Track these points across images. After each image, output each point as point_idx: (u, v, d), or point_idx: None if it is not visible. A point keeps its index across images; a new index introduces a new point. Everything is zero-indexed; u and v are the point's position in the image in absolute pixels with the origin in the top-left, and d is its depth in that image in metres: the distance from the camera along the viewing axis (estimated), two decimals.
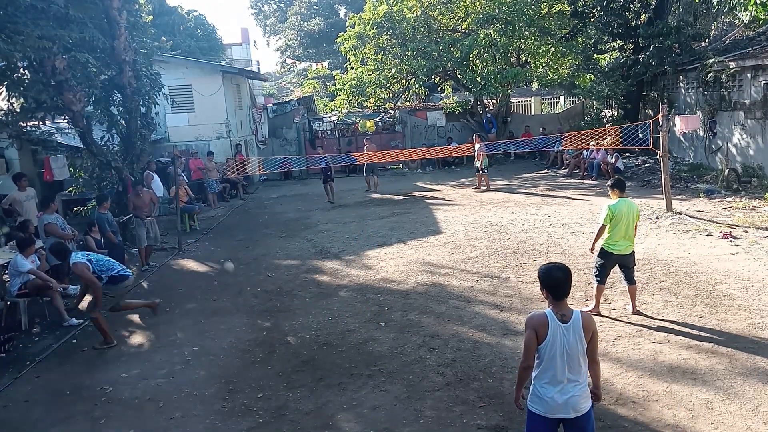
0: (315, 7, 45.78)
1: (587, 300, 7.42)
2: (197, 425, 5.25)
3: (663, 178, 12.21)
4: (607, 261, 6.88)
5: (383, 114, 25.36)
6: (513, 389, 5.37)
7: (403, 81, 23.19)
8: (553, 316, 3.55)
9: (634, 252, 6.96)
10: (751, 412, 4.81)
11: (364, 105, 23.91)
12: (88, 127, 11.53)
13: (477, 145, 16.84)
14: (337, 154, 20.58)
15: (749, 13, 14.10)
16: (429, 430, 4.89)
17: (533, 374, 3.66)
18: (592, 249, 7.15)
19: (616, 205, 6.79)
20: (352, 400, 5.46)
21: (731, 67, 15.04)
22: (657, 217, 11.57)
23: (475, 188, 16.88)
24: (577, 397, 3.58)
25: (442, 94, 26.87)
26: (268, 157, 20.94)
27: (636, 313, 6.90)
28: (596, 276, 6.98)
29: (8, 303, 8.15)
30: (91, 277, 6.90)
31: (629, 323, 6.70)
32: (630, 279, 6.93)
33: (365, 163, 17.93)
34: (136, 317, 8.25)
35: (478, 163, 16.57)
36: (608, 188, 7.16)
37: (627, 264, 6.90)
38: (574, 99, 25.77)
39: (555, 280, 3.57)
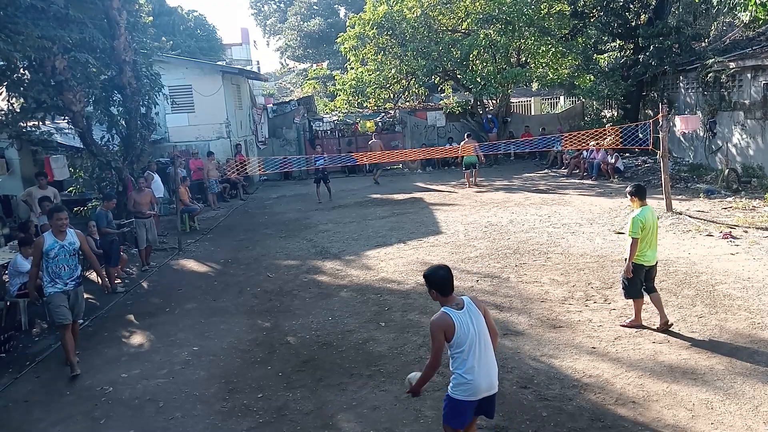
0: (315, 7, 45.80)
1: (622, 315, 6.82)
2: (197, 425, 5.25)
3: (663, 178, 12.20)
4: (637, 275, 6.34)
5: (383, 114, 25.37)
6: (513, 389, 5.42)
7: (403, 81, 23.19)
8: (451, 310, 3.82)
9: (657, 262, 6.57)
10: (751, 412, 4.81)
11: (364, 105, 23.92)
12: (88, 127, 11.54)
13: (464, 143, 17.69)
14: (336, 155, 20.59)
15: (749, 13, 14.08)
16: (429, 430, 4.90)
17: (455, 365, 3.86)
18: (627, 270, 6.35)
19: (643, 214, 6.28)
20: (352, 400, 5.46)
21: (731, 67, 15.04)
22: (657, 217, 11.56)
23: (476, 189, 16.94)
24: (494, 373, 3.89)
25: (442, 95, 26.88)
26: (268, 158, 20.94)
27: (666, 328, 6.36)
28: (625, 291, 6.43)
29: (8, 303, 8.15)
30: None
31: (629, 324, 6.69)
32: (650, 288, 6.45)
33: (370, 162, 18.73)
34: (135, 317, 8.26)
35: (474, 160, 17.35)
36: (628, 196, 6.59)
37: (651, 274, 6.44)
38: (574, 99, 25.77)
39: (441, 279, 3.87)
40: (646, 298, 6.51)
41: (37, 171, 11.65)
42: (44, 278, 6.48)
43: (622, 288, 6.56)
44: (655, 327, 6.43)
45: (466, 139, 17.86)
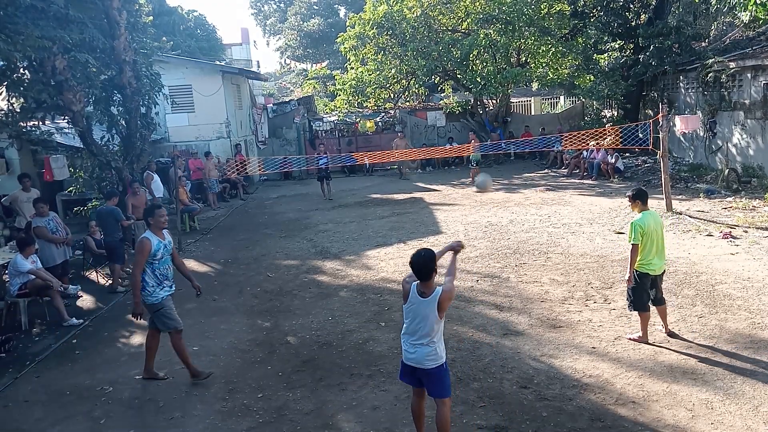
0: (315, 7, 45.81)
1: (631, 329, 6.47)
2: (197, 425, 5.25)
3: (663, 178, 12.20)
4: (642, 283, 6.05)
5: (383, 114, 25.36)
6: (513, 389, 5.43)
7: (403, 81, 23.18)
8: (415, 290, 4.32)
9: (665, 270, 6.28)
10: (751, 412, 4.81)
11: (364, 105, 23.91)
12: (88, 127, 11.53)
13: (472, 141, 18.48)
14: (337, 154, 20.60)
15: (749, 13, 14.09)
16: (429, 430, 4.89)
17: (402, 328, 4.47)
18: (629, 280, 6.14)
19: (643, 220, 6.01)
20: (352, 400, 5.46)
21: (731, 67, 15.04)
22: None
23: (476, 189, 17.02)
24: (422, 354, 4.31)
25: (442, 94, 26.87)
26: (268, 157, 20.94)
27: (671, 333, 6.20)
28: (630, 303, 6.12)
29: (8, 303, 8.15)
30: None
31: (629, 323, 6.69)
32: (659, 300, 6.17)
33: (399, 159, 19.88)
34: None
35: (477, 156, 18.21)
36: (628, 200, 6.32)
37: (657, 284, 6.12)
38: (574, 99, 25.77)
39: (412, 264, 4.30)
40: (654, 310, 6.22)
41: (21, 174, 11.09)
42: (148, 283, 5.85)
43: (627, 299, 6.26)
44: (654, 326, 6.42)
45: (473, 136, 18.91)
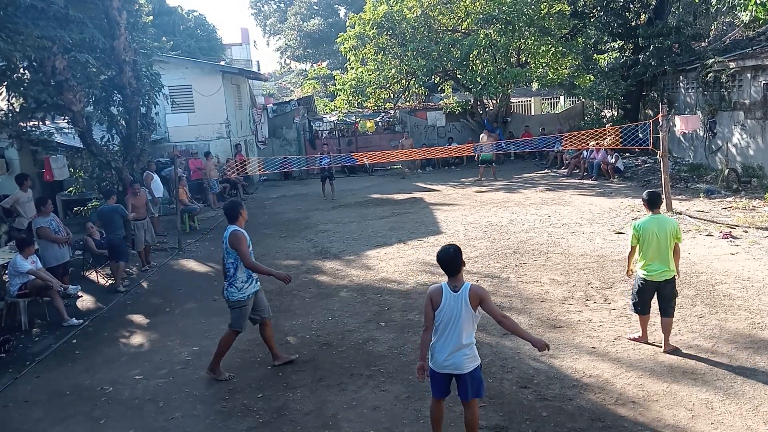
0: (315, 7, 45.81)
1: (631, 328, 6.49)
2: (197, 425, 5.25)
3: (663, 178, 12.21)
4: (643, 291, 6.00)
5: (383, 114, 25.36)
6: (513, 389, 5.42)
7: (403, 81, 23.18)
8: (447, 287, 4.25)
9: (673, 279, 5.97)
10: (751, 412, 4.81)
11: (364, 105, 23.92)
12: (88, 127, 11.52)
13: (485, 138, 18.84)
14: (337, 155, 20.61)
15: (749, 13, 14.08)
16: (429, 430, 4.89)
17: (433, 336, 4.31)
18: (628, 273, 6.43)
19: (642, 223, 6.00)
20: (352, 400, 5.46)
21: (731, 67, 15.04)
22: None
23: (476, 188, 17.01)
24: (464, 357, 4.22)
25: (442, 94, 26.88)
26: (268, 157, 20.94)
27: (671, 351, 5.92)
28: (633, 304, 6.16)
29: (8, 303, 8.15)
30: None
31: (629, 323, 6.69)
32: (663, 310, 5.96)
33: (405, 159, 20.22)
34: (135, 317, 8.26)
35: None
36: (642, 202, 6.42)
37: (662, 292, 5.94)
38: (574, 99, 25.78)
39: (440, 261, 4.29)
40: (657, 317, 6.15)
41: (19, 174, 10.93)
42: (239, 278, 5.90)
43: (631, 298, 6.32)
44: (654, 326, 6.39)
45: (485, 134, 19.19)
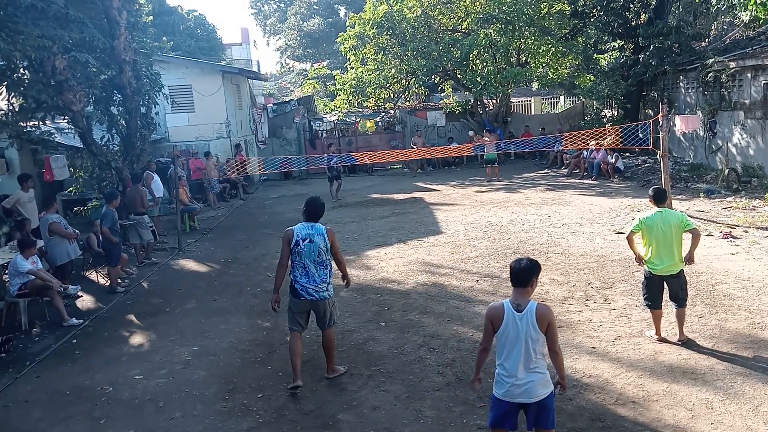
0: (315, 7, 45.83)
1: (648, 326, 6.44)
2: (197, 425, 5.25)
3: (663, 178, 12.19)
4: (649, 281, 6.11)
5: (383, 114, 25.36)
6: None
7: (403, 81, 23.20)
8: (509, 306, 3.81)
9: (680, 273, 6.04)
10: (751, 412, 4.81)
11: (364, 105, 23.92)
12: (88, 127, 11.53)
13: (487, 139, 19.01)
14: (336, 154, 20.62)
15: (749, 13, 14.09)
16: (429, 430, 4.89)
17: (497, 360, 3.89)
18: (637, 259, 6.30)
19: (648, 218, 6.06)
20: (352, 400, 5.45)
21: (731, 67, 15.04)
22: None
23: (476, 189, 17.02)
24: (533, 383, 3.77)
25: (442, 94, 26.88)
26: (268, 157, 20.95)
27: (684, 341, 6.03)
28: (644, 298, 6.22)
29: (8, 303, 8.15)
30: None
31: (629, 323, 6.69)
32: (676, 301, 6.07)
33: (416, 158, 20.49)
34: (135, 317, 8.26)
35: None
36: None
37: (671, 286, 6.05)
38: (574, 99, 25.77)
39: (511, 270, 3.88)
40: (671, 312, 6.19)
41: (22, 174, 10.91)
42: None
43: (641, 293, 6.37)
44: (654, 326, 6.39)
45: (486, 134, 19.42)
